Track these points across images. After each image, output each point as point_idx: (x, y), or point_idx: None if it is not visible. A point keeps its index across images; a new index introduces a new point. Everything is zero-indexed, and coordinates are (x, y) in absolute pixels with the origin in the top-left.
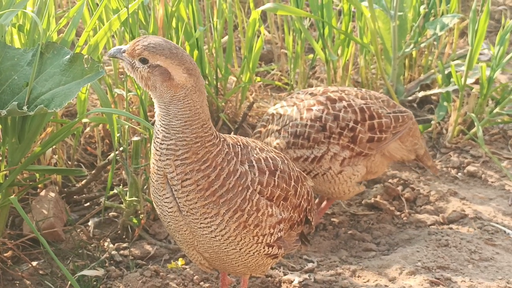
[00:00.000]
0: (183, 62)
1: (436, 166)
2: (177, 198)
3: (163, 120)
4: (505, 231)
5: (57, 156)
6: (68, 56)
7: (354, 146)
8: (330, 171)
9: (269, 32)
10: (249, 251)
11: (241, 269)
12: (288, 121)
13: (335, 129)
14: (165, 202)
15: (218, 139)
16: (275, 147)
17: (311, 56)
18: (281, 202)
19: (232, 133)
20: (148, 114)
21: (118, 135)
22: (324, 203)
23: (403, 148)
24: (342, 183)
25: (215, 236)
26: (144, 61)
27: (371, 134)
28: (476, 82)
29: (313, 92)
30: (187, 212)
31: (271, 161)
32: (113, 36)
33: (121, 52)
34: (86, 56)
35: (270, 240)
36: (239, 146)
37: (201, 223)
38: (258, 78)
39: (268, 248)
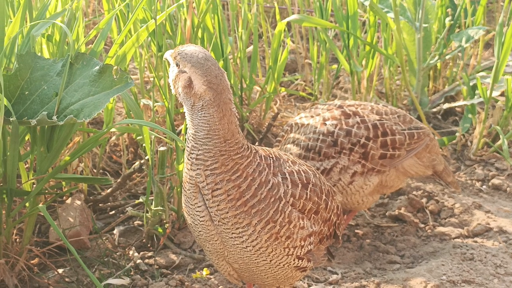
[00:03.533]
0: (206, 74)
1: (457, 182)
2: (208, 208)
3: (191, 129)
4: None
5: (83, 164)
6: (97, 67)
7: (366, 162)
8: (340, 182)
9: (293, 42)
10: (279, 263)
11: (270, 281)
12: (302, 134)
13: (346, 145)
14: (197, 211)
15: (249, 150)
16: None
17: (335, 66)
18: (312, 215)
19: (257, 143)
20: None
21: (143, 145)
22: (347, 214)
23: (419, 164)
24: (354, 193)
25: (246, 246)
26: (178, 65)
27: (384, 151)
28: (502, 95)
29: (330, 106)
30: (218, 221)
31: (303, 174)
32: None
33: (169, 55)
34: (115, 67)
35: (300, 253)
36: (271, 158)
37: (232, 233)
38: (283, 89)
39: (298, 261)
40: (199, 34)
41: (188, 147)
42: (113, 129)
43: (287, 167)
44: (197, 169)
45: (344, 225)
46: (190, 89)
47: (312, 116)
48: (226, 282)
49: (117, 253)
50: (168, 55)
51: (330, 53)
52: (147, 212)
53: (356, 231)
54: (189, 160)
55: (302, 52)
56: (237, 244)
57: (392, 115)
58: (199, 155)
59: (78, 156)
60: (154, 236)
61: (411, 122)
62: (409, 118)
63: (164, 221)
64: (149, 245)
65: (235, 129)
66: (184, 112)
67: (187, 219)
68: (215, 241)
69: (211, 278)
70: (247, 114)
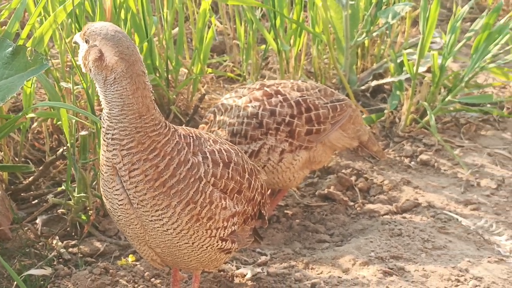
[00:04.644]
0: (117, 45)
1: (382, 151)
2: (127, 190)
3: (106, 108)
4: (457, 219)
5: (2, 152)
6: (10, 49)
7: (293, 140)
8: (269, 162)
9: (221, 23)
10: (202, 245)
11: (194, 264)
12: (227, 118)
13: (271, 125)
14: (115, 195)
15: (168, 128)
16: None
17: (263, 46)
18: (235, 195)
19: (184, 125)
20: (96, 108)
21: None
22: (276, 195)
23: (345, 136)
24: (284, 170)
25: (167, 229)
26: (87, 41)
27: (309, 127)
28: (428, 71)
29: (251, 87)
30: (137, 204)
31: (225, 153)
32: (61, 29)
33: (78, 36)
34: (29, 48)
35: (223, 234)
36: (191, 137)
37: (152, 216)
38: (210, 70)
39: (221, 242)
40: (122, 15)
41: (103, 127)
42: (33, 115)
43: (208, 146)
44: (113, 149)
45: (273, 205)
46: (101, 62)
47: (235, 98)
48: (153, 268)
49: (40, 243)
50: (77, 36)
51: (258, 34)
52: (69, 199)
53: (285, 211)
54: (105, 141)
55: (230, 33)
56: (158, 227)
57: (313, 90)
58: (115, 135)
59: None
60: (78, 224)
61: (332, 95)
62: (330, 91)
63: (88, 208)
64: (73, 234)
65: (151, 104)
66: None
67: (106, 204)
68: (135, 225)
69: (137, 265)
70: (174, 96)
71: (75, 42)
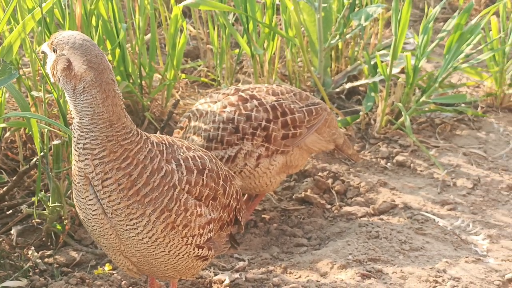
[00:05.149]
0: (85, 54)
1: (357, 154)
2: (100, 200)
3: (76, 117)
4: (434, 220)
5: None
6: None
7: (269, 145)
8: (246, 167)
9: (194, 28)
10: (179, 253)
11: (171, 272)
12: (202, 123)
13: (247, 130)
14: (88, 205)
15: (139, 136)
16: None
17: (237, 51)
18: (210, 201)
19: (158, 132)
20: (69, 117)
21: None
22: (253, 200)
23: (321, 139)
24: (261, 175)
25: (142, 238)
26: (54, 50)
27: (285, 131)
28: (402, 72)
29: (225, 92)
30: (111, 214)
31: (199, 160)
32: (32, 37)
33: (46, 45)
34: None
35: (200, 241)
36: (163, 145)
37: (127, 225)
38: (183, 75)
39: (198, 250)
40: (93, 22)
41: (74, 137)
42: (4, 125)
43: (181, 153)
44: (85, 159)
45: (250, 210)
46: (70, 71)
47: (210, 103)
48: (130, 277)
49: (15, 254)
50: (44, 46)
51: (231, 38)
52: (44, 209)
53: (263, 216)
54: (76, 151)
55: (203, 37)
56: (133, 236)
57: (288, 94)
58: (86, 144)
59: None
60: (53, 234)
61: (307, 99)
62: (305, 95)
63: (63, 218)
64: (49, 244)
65: (121, 112)
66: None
67: (79, 214)
68: (110, 235)
69: (113, 274)
70: (148, 103)
71: (43, 52)
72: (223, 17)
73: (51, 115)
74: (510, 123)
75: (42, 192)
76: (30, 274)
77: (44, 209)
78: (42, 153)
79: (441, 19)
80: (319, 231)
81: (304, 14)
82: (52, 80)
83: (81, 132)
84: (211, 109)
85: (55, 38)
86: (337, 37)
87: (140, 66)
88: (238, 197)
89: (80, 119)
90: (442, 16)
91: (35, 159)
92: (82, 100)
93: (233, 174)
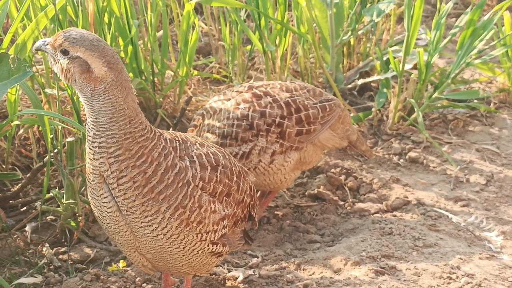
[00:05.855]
0: (103, 55)
1: (370, 150)
2: (115, 198)
3: (91, 117)
4: (448, 216)
5: None
6: None
7: (284, 141)
8: (261, 164)
9: (206, 24)
10: (193, 250)
11: (185, 268)
12: (217, 121)
13: (262, 126)
14: (103, 203)
15: (153, 133)
16: None
17: (249, 47)
18: (224, 198)
19: (171, 128)
20: (82, 113)
21: (51, 136)
22: (266, 196)
23: (335, 136)
24: (276, 172)
25: (157, 235)
26: (65, 52)
27: (299, 128)
28: (415, 68)
29: (239, 89)
30: (126, 211)
31: (212, 156)
32: (45, 34)
33: (45, 44)
34: (12, 56)
35: (214, 238)
36: (177, 141)
37: (141, 222)
38: (196, 72)
39: (212, 246)
40: (106, 19)
41: (89, 136)
42: (18, 122)
43: (195, 150)
44: (100, 157)
45: (263, 207)
46: (90, 74)
47: (224, 101)
48: (144, 273)
49: (30, 251)
50: (41, 45)
51: (243, 34)
52: (58, 206)
53: (276, 212)
54: (91, 149)
55: (215, 34)
56: (148, 233)
57: (302, 90)
58: (102, 143)
59: None
60: (68, 231)
61: (321, 95)
62: (318, 91)
63: (77, 215)
64: (63, 240)
65: (138, 108)
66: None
67: (94, 211)
68: (125, 232)
69: (128, 270)
70: (161, 99)
71: (39, 49)
72: (235, 13)
73: (64, 112)
74: None
75: (56, 189)
76: (45, 270)
77: (58, 206)
78: (56, 150)
79: (453, 14)
80: (332, 228)
81: (316, 10)
82: (64, 81)
83: (97, 131)
84: (225, 106)
85: (65, 39)
86: (349, 33)
87: (153, 63)
88: (252, 193)
89: (95, 119)
90: (454, 11)
91: (48, 156)
92: (101, 101)
93: (246, 170)
